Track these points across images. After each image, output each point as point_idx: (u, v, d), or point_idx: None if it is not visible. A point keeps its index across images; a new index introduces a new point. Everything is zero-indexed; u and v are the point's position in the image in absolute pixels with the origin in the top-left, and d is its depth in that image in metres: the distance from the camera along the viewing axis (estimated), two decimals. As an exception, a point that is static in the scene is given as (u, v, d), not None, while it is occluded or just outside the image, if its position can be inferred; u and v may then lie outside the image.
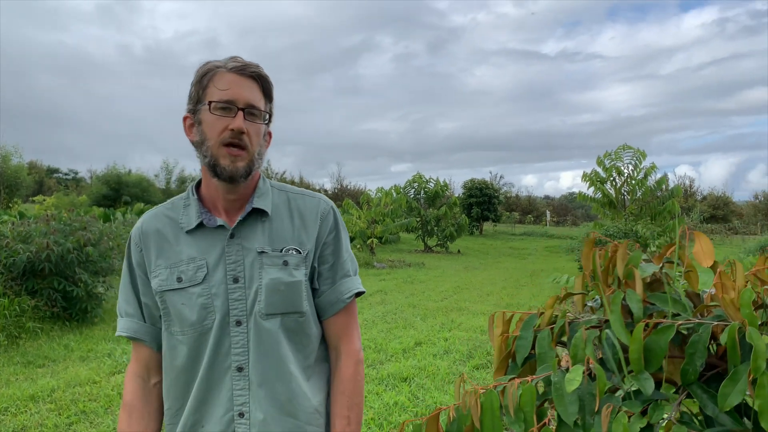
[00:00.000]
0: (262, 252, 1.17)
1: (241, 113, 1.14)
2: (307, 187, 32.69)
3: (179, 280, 1.17)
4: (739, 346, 0.99)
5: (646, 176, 13.80)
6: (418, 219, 17.45)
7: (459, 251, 17.58)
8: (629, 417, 1.03)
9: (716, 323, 1.05)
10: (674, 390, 1.16)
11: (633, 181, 13.88)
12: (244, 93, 1.15)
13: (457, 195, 22.06)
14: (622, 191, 14.14)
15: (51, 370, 4.77)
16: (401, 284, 10.32)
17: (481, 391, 1.20)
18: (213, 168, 1.15)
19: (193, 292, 1.16)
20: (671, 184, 14.43)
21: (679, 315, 1.17)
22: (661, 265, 1.24)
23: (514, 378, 1.18)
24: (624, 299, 1.18)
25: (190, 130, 1.20)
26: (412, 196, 17.81)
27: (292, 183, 32.65)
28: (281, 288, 1.16)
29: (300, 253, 1.19)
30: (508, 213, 29.32)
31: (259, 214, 1.20)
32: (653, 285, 1.28)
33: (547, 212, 31.56)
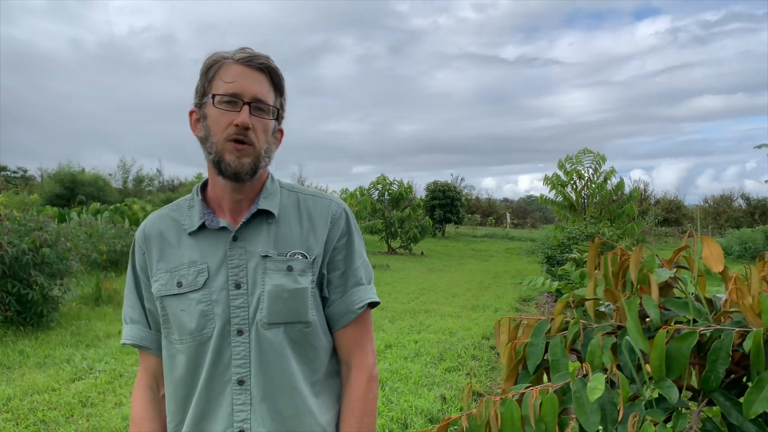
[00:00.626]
0: (266, 256, 1.10)
1: (246, 107, 1.07)
2: (268, 187, 32.13)
3: (179, 284, 1.10)
4: (763, 352, 0.98)
5: (605, 180, 14.11)
6: (382, 221, 17.45)
7: (422, 253, 17.65)
8: (654, 425, 1.01)
9: (737, 329, 1.04)
10: (689, 397, 1.15)
11: (593, 185, 14.17)
12: (251, 86, 1.08)
13: (420, 197, 22.17)
14: (583, 194, 14.42)
15: (6, 378, 4.53)
16: (367, 286, 10.26)
17: (497, 400, 1.16)
18: (217, 165, 1.08)
19: (192, 298, 1.09)
20: (627, 188, 14.78)
21: (696, 321, 1.16)
22: (674, 270, 1.23)
23: (530, 387, 1.15)
24: (640, 305, 1.16)
25: (196, 125, 1.13)
26: (376, 197, 17.79)
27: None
28: (284, 295, 1.09)
29: (306, 257, 1.12)
30: (470, 215, 29.62)
31: (265, 215, 1.13)
32: (662, 290, 1.27)
33: (507, 214, 32.03)
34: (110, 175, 31.97)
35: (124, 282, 1.25)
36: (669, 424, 1.02)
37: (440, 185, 25.23)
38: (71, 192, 25.68)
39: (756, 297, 1.07)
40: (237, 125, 1.06)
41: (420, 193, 24.99)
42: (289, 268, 1.10)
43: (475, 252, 19.43)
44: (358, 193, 16.12)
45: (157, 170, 33.22)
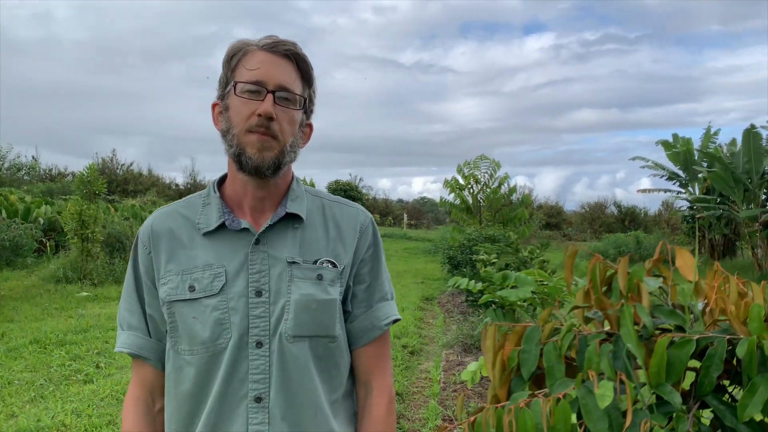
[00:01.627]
0: (293, 262, 1.02)
1: (270, 96, 0.98)
2: (157, 180, 30.66)
3: (192, 289, 1.00)
4: (756, 359, 1.05)
5: (500, 185, 14.81)
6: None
7: (322, 252, 17.57)
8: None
9: (728, 337, 1.11)
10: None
11: (488, 189, 14.82)
12: (276, 73, 1.00)
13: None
14: (479, 198, 15.03)
15: None
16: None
17: (498, 408, 1.16)
18: (238, 158, 1.00)
19: (207, 305, 0.99)
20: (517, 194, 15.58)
21: (681, 328, 1.23)
22: (660, 279, 1.29)
23: (533, 395, 1.17)
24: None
25: (218, 118, 1.04)
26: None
27: (140, 176, 30.39)
28: (313, 306, 1.01)
29: (336, 267, 1.05)
30: (369, 215, 29.90)
31: (291, 219, 1.05)
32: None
33: (405, 215, 32.72)
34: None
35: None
36: (668, 426, 1.07)
37: (342, 184, 25.25)
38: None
39: (742, 306, 1.15)
40: (260, 115, 0.97)
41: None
42: (319, 277, 1.03)
43: (374, 252, 19.61)
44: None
45: (33, 158, 30.35)
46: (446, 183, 14.77)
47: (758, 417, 1.08)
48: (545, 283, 3.64)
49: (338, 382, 1.08)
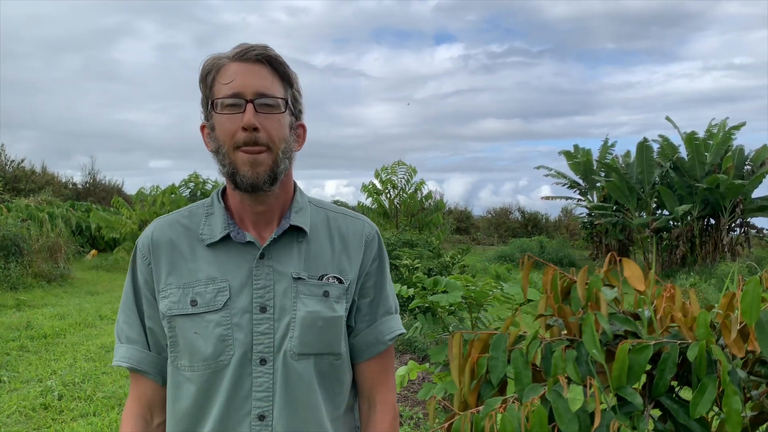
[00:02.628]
0: (299, 278, 1.00)
1: (250, 105, 0.95)
2: (52, 178, 28.70)
3: (194, 303, 0.97)
4: (705, 361, 1.17)
5: (416, 191, 15.11)
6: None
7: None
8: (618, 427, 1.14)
9: (679, 342, 1.22)
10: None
11: (405, 195, 15.08)
12: (251, 81, 0.97)
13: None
14: (395, 203, 15.26)
15: None
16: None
17: (474, 413, 1.21)
18: (232, 177, 0.97)
19: (210, 320, 0.96)
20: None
21: (635, 334, 1.33)
22: (615, 289, 1.39)
23: (505, 399, 1.22)
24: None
25: (207, 139, 1.01)
26: (188, 196, 16.82)
27: (33, 173, 28.30)
28: (319, 323, 0.99)
29: (342, 282, 1.03)
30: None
31: (295, 232, 1.03)
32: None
33: (318, 219, 32.58)
34: None
35: None
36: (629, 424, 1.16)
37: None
38: None
39: (690, 313, 1.27)
40: (244, 128, 0.95)
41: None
42: (326, 294, 1.01)
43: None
44: (170, 191, 15.09)
45: None
46: (364, 188, 14.88)
47: (706, 414, 1.18)
48: (472, 287, 3.77)
49: (341, 399, 1.07)
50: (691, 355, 1.17)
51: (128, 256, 13.10)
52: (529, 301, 3.14)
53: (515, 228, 32.58)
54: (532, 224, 31.61)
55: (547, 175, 23.30)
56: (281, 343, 0.99)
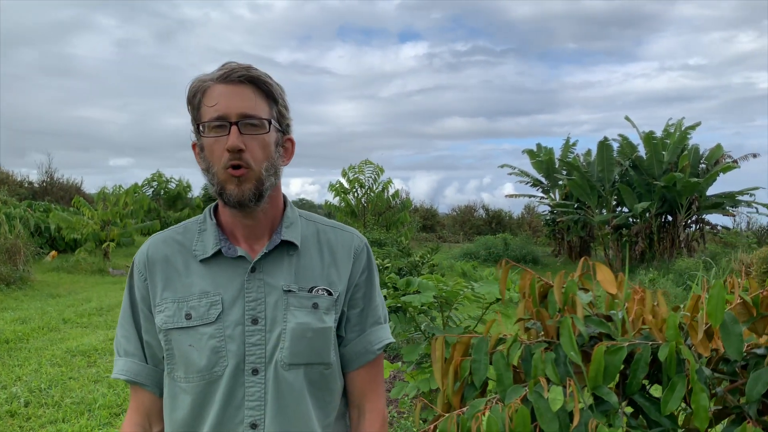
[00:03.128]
0: (289, 291, 1.04)
1: (234, 128, 0.99)
2: (7, 177, 27.85)
3: (188, 317, 1.01)
4: (675, 361, 1.24)
5: (383, 189, 15.19)
6: (156, 221, 16.26)
7: (200, 256, 16.94)
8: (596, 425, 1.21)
9: (651, 343, 1.30)
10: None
11: (372, 194, 15.14)
12: (234, 103, 1.00)
13: (198, 196, 21.22)
14: (363, 202, 15.31)
15: None
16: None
17: (460, 414, 1.26)
18: (220, 195, 1.01)
19: (204, 333, 1.00)
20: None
21: (609, 336, 1.41)
22: (590, 293, 1.47)
23: (489, 400, 1.28)
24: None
25: (199, 158, 1.05)
26: (151, 195, 16.56)
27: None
28: (309, 335, 1.03)
29: (331, 294, 1.07)
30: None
31: (286, 246, 1.07)
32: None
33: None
34: None
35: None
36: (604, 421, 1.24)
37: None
38: None
39: (660, 315, 1.35)
40: (228, 150, 0.99)
41: (197, 192, 23.95)
42: (315, 306, 1.05)
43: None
44: (133, 190, 14.83)
45: None
46: (331, 186, 14.88)
47: (676, 410, 1.26)
48: (444, 287, 3.84)
49: (332, 407, 1.11)
50: (662, 355, 1.24)
51: (90, 258, 12.80)
52: (498, 300, 3.23)
53: (480, 225, 32.98)
54: (496, 222, 32.06)
55: (511, 174, 23.75)
56: (272, 354, 1.02)
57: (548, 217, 23.91)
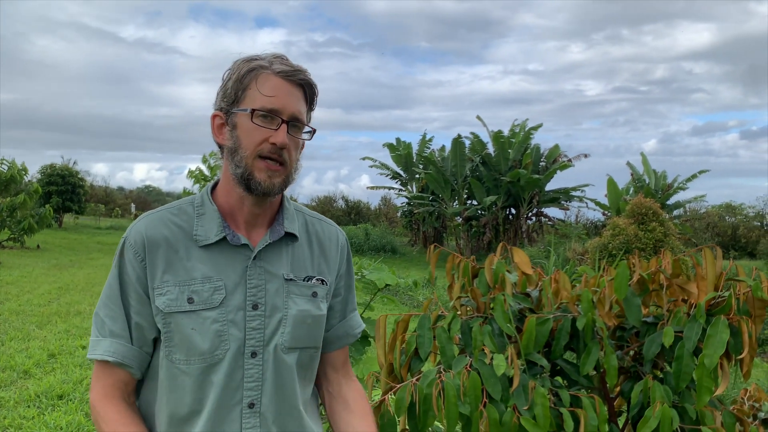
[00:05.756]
0: (290, 279, 1.08)
1: (285, 126, 1.03)
2: None
3: (190, 300, 1.01)
4: (591, 330, 1.47)
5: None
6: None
7: (38, 246, 15.30)
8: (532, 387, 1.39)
9: (571, 315, 1.51)
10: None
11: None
12: (290, 103, 1.04)
13: (33, 181, 19.10)
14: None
15: None
16: (-19, 287, 8.51)
17: (415, 383, 1.38)
18: (246, 181, 1.03)
19: (207, 317, 1.01)
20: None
21: (532, 310, 1.61)
22: (516, 273, 1.66)
23: (439, 371, 1.41)
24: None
25: (220, 130, 1.06)
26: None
27: None
28: (308, 321, 1.09)
29: (325, 284, 1.14)
30: (92, 204, 26.83)
31: (286, 238, 1.11)
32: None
33: (133, 205, 30.29)
34: None
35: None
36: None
37: (59, 169, 22.22)
38: None
39: (567, 291, 1.57)
40: (274, 144, 1.02)
41: (33, 176, 21.58)
42: (314, 294, 1.11)
43: (102, 245, 17.83)
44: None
45: None
46: (191, 173, 14.21)
47: (591, 371, 1.49)
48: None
49: (311, 385, 1.18)
50: (580, 324, 1.46)
51: None
52: (387, 286, 3.40)
53: (339, 216, 33.40)
54: (355, 212, 32.66)
55: (372, 166, 24.31)
56: (271, 338, 1.06)
57: (405, 209, 24.90)
